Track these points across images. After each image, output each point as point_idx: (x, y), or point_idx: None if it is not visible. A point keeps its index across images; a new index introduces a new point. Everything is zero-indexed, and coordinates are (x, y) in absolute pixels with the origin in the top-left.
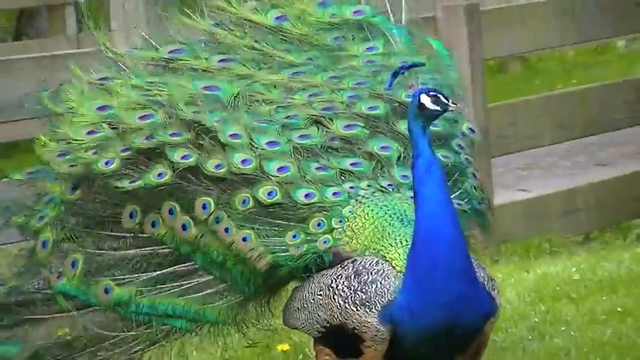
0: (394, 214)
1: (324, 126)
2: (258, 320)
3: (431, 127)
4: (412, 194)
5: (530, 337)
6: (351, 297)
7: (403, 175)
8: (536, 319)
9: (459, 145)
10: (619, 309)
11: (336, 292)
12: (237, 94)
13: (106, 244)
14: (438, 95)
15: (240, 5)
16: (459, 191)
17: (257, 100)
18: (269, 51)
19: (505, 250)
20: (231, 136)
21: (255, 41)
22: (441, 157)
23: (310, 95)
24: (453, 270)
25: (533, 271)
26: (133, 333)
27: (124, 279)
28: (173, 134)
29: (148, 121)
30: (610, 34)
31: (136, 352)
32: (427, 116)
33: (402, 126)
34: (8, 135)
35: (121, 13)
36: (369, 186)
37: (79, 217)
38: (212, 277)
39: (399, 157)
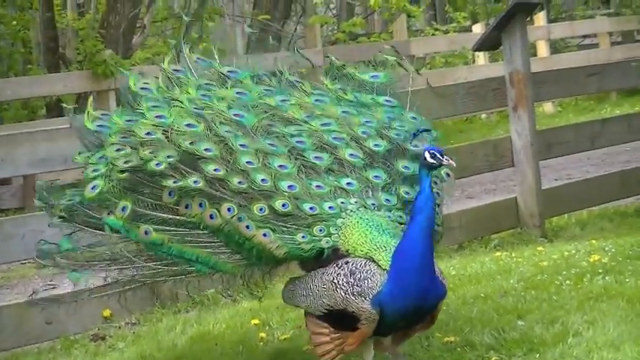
0: (373, 225)
1: (327, 151)
2: (262, 280)
3: (411, 170)
4: (390, 214)
5: None
6: (350, 290)
7: (387, 199)
8: None
9: (435, 182)
10: (482, 294)
11: (338, 286)
12: (259, 122)
13: (148, 204)
14: (436, 153)
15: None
16: None
17: (283, 119)
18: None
19: None
20: (247, 162)
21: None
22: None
23: (323, 124)
24: (423, 271)
25: None
26: (155, 265)
27: (159, 229)
28: (207, 149)
29: (192, 129)
30: (474, 109)
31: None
32: (428, 166)
33: (400, 164)
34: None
35: None
36: (356, 202)
37: (126, 184)
38: (230, 249)
39: (385, 185)
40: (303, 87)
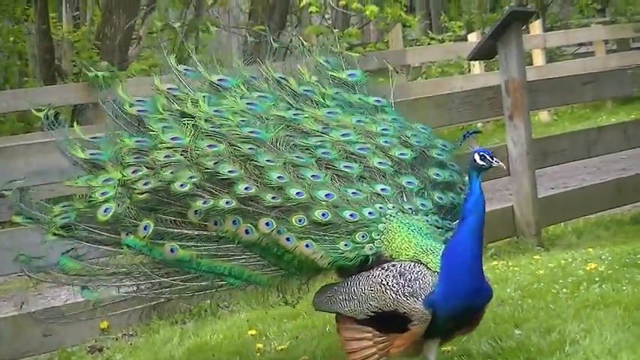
0: (415, 229)
1: (355, 160)
2: (299, 289)
3: (442, 177)
4: (427, 218)
5: None
6: (401, 290)
7: (422, 204)
8: None
9: (461, 188)
10: None
11: (387, 287)
12: (276, 135)
13: (172, 222)
14: (485, 155)
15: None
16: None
17: (301, 132)
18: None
19: None
20: (278, 177)
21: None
22: (450, 197)
23: (343, 135)
24: (473, 271)
25: None
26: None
27: (186, 245)
28: (231, 171)
29: (214, 149)
30: (470, 118)
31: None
32: (478, 168)
33: (431, 171)
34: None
35: None
36: (394, 207)
37: (145, 204)
38: (266, 261)
39: (418, 191)
40: (289, 84)
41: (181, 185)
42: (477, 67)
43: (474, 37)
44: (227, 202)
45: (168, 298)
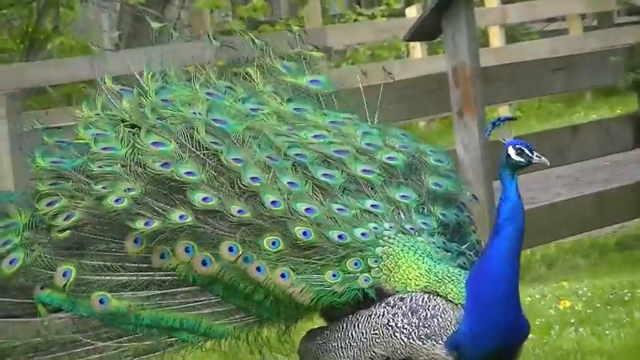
0: (423, 253)
1: (336, 167)
2: (279, 340)
3: (443, 188)
4: (434, 239)
5: None
6: (415, 332)
7: (424, 222)
8: None
9: (463, 204)
10: None
11: (397, 329)
12: (245, 129)
13: (101, 266)
14: (523, 148)
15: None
16: (468, 243)
17: (264, 132)
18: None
19: None
20: (252, 178)
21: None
22: (454, 214)
23: (315, 136)
24: (510, 301)
25: None
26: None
27: (121, 295)
28: (188, 172)
29: (160, 148)
30: (409, 116)
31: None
32: (513, 165)
33: (429, 180)
34: None
35: None
36: (391, 227)
37: (66, 244)
38: (230, 305)
39: (417, 206)
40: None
41: (117, 200)
42: (417, 49)
43: (413, 12)
44: (181, 217)
45: None
